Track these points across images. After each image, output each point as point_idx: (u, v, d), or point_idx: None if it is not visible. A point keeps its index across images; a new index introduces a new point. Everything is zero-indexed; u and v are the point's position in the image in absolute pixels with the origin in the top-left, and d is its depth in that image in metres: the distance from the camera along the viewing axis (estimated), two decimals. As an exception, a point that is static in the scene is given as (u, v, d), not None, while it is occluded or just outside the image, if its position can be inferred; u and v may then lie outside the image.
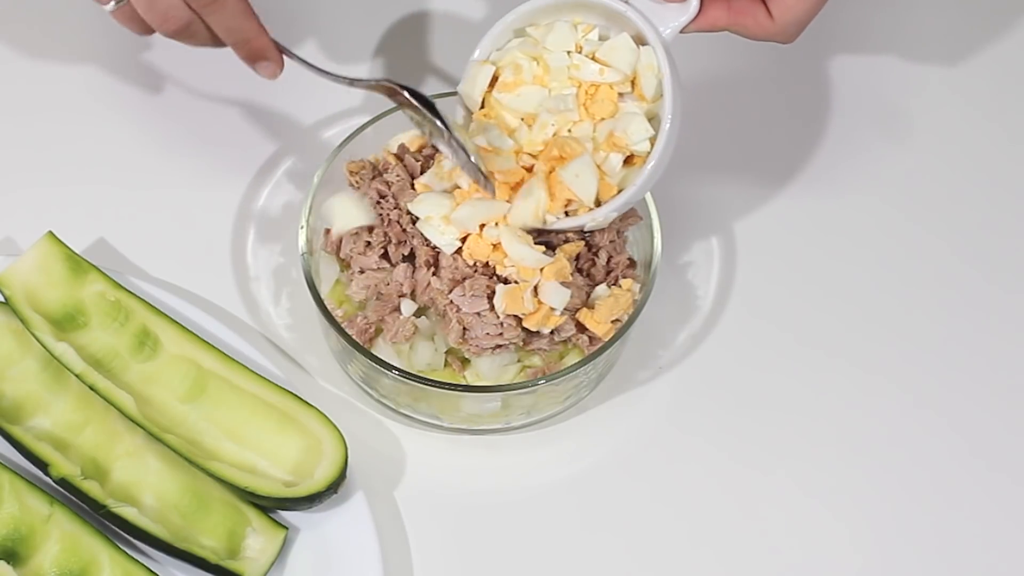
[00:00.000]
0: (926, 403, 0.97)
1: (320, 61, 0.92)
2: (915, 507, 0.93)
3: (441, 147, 0.89)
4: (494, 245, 0.88)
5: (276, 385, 0.89)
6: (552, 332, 0.89)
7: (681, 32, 0.87)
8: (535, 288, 0.87)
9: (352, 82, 0.90)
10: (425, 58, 1.10)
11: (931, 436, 0.95)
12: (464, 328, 0.88)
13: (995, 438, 0.95)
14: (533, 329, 0.88)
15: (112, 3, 0.86)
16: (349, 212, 0.92)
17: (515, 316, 0.87)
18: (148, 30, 0.87)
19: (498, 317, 0.88)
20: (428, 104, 0.88)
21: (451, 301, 0.88)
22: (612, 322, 0.89)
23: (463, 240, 0.88)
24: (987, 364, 0.98)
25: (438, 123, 0.87)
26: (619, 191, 0.88)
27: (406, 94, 0.88)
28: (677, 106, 0.87)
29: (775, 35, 0.87)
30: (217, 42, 0.88)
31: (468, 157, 0.86)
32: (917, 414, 0.96)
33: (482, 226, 0.88)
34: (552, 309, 0.87)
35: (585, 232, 0.90)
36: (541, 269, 0.87)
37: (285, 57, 0.90)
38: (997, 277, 1.02)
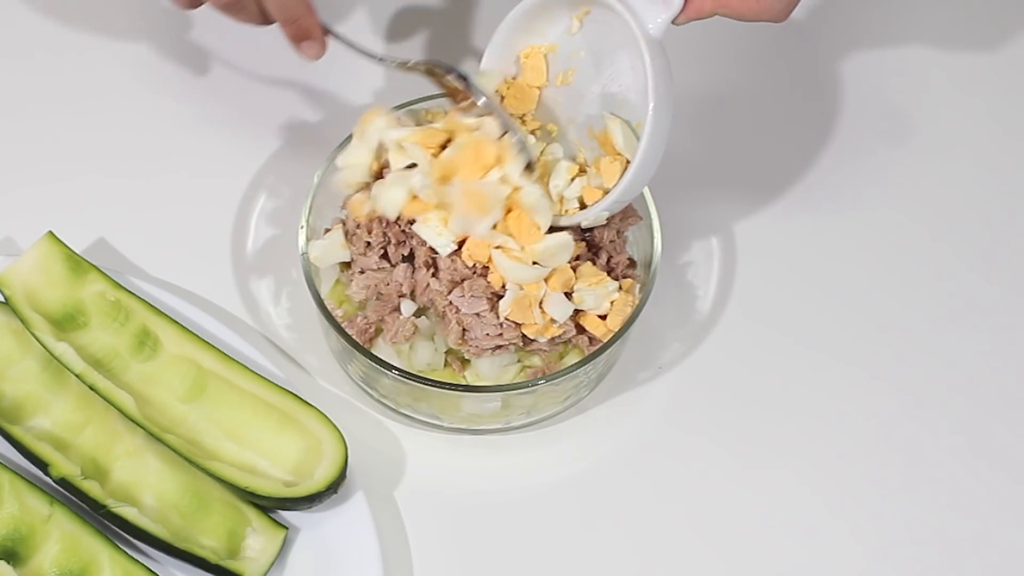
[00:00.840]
0: (926, 404, 0.96)
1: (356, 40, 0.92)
2: (915, 506, 0.93)
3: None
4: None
5: (276, 385, 0.89)
6: (552, 333, 0.89)
7: (674, 24, 0.85)
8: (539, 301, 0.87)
9: (398, 64, 0.91)
10: (460, 38, 1.10)
11: (931, 436, 0.95)
12: (464, 329, 0.88)
13: (995, 438, 0.95)
14: (532, 337, 0.88)
15: None
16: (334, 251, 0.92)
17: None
18: (194, 4, 0.88)
19: (498, 318, 0.88)
20: (467, 81, 0.88)
21: (450, 302, 0.88)
22: (612, 322, 0.89)
23: (460, 243, 0.88)
24: (987, 365, 0.98)
25: (480, 101, 0.88)
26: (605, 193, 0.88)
27: (450, 77, 0.89)
28: (662, 101, 0.84)
29: (763, 13, 0.85)
30: (264, 19, 0.88)
31: (516, 132, 0.87)
32: (917, 414, 0.96)
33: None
34: (553, 320, 0.88)
35: (585, 233, 0.90)
36: (546, 280, 0.87)
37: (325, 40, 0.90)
38: (997, 278, 1.02)
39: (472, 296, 0.88)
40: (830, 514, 0.92)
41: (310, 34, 0.89)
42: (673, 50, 0.86)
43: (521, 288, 0.87)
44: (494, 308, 0.88)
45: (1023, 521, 0.93)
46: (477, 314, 0.88)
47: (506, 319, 0.87)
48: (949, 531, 0.92)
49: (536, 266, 0.87)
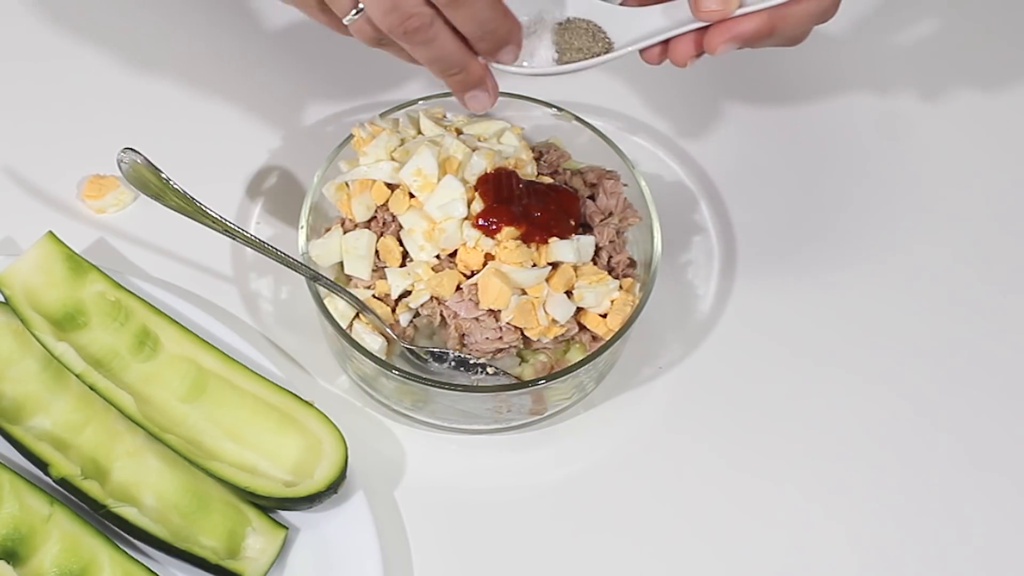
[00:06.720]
0: (923, 408, 0.96)
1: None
2: (913, 511, 0.93)
3: None
4: (487, 254, 0.88)
5: (276, 385, 0.89)
6: (553, 333, 0.89)
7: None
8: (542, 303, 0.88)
9: None
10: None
11: (928, 441, 0.95)
12: (462, 334, 0.88)
13: (991, 442, 0.95)
14: (535, 338, 0.88)
15: (351, 14, 0.79)
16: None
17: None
18: (378, 39, 0.80)
19: (497, 321, 0.88)
20: None
21: (447, 307, 0.88)
22: (612, 322, 0.89)
23: (452, 255, 0.88)
24: (985, 370, 0.98)
25: None
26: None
27: None
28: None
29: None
30: (445, 52, 0.80)
31: None
32: (914, 419, 0.96)
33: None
34: (555, 320, 0.88)
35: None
36: (548, 280, 0.87)
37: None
38: (995, 282, 1.02)
39: (471, 299, 0.88)
40: (827, 517, 0.92)
41: (509, 39, 0.80)
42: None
43: (524, 292, 0.87)
44: (493, 312, 0.88)
45: (1020, 525, 0.92)
46: (476, 319, 0.88)
47: (507, 323, 0.87)
48: (946, 535, 0.92)
49: (535, 268, 0.87)
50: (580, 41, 0.84)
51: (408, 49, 0.79)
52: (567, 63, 0.84)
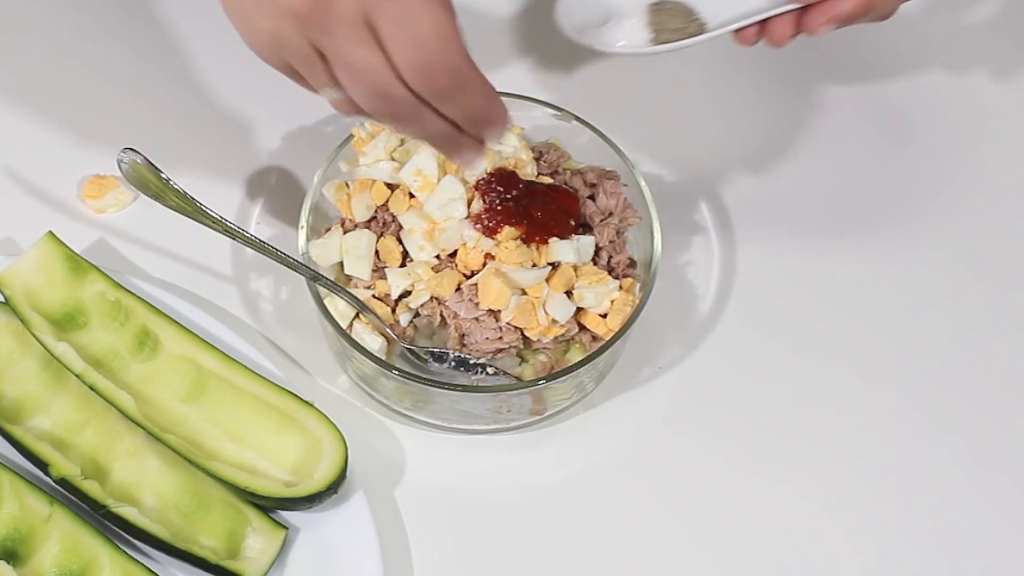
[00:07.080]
0: (923, 407, 0.96)
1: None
2: (913, 510, 0.93)
3: None
4: (487, 254, 0.88)
5: (276, 385, 0.89)
6: (554, 333, 0.89)
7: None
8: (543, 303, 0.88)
9: None
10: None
11: (928, 440, 0.95)
12: (462, 334, 0.88)
13: (992, 441, 0.95)
14: (535, 338, 0.88)
15: (331, 91, 0.77)
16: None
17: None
18: (357, 111, 0.78)
19: (497, 321, 0.88)
20: None
21: (447, 307, 0.88)
22: (612, 322, 0.89)
23: (452, 255, 0.88)
24: (985, 370, 0.98)
25: None
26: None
27: None
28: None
29: None
30: (433, 132, 0.78)
31: None
32: (915, 419, 0.96)
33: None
34: (555, 320, 0.88)
35: None
36: (548, 280, 0.87)
37: None
38: (994, 282, 1.02)
39: (471, 300, 0.88)
40: (827, 517, 0.92)
41: (495, 121, 0.78)
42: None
43: (524, 292, 0.87)
44: (493, 312, 0.88)
45: (1020, 525, 0.92)
46: (476, 319, 0.88)
47: (507, 323, 0.87)
48: (946, 534, 0.92)
49: (535, 268, 0.87)
50: (675, 22, 0.86)
51: (394, 128, 0.79)
52: (663, 43, 0.86)
